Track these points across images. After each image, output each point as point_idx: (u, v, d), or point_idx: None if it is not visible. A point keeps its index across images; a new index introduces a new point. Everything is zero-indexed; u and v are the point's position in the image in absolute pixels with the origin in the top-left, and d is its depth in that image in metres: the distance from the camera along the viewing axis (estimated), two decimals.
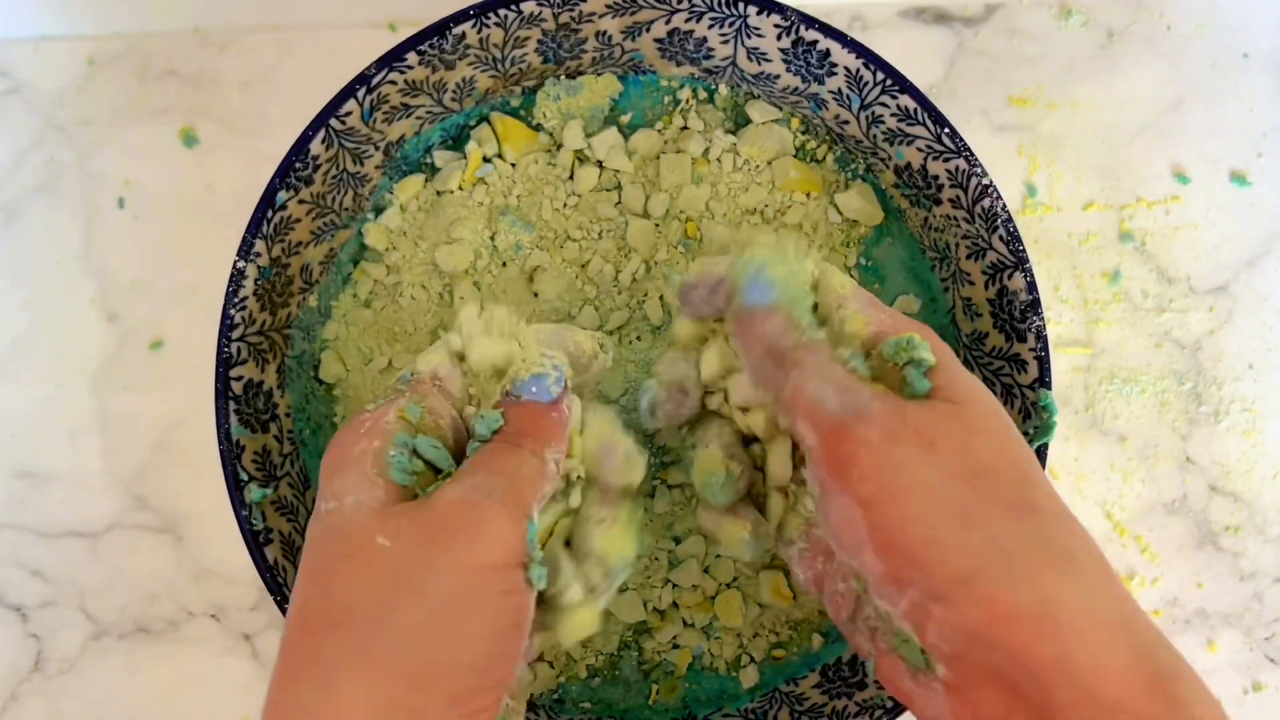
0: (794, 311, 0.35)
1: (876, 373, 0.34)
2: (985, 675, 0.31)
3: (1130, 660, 0.29)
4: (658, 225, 0.45)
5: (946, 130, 0.40)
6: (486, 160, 0.45)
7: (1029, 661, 0.30)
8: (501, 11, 0.40)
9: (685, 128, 0.46)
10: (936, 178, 0.42)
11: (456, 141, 0.46)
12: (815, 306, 0.36)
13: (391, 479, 0.32)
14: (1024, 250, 0.40)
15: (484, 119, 0.46)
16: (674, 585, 0.45)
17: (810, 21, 0.40)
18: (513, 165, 0.45)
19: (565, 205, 0.45)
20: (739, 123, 0.46)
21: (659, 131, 0.46)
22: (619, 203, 0.45)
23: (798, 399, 0.34)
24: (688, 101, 0.46)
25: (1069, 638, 0.29)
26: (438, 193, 0.45)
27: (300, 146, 0.40)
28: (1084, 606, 0.30)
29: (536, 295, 0.45)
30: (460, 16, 0.40)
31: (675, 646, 0.45)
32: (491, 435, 0.34)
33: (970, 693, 0.31)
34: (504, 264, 0.45)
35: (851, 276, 0.45)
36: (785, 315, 0.35)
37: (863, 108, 0.42)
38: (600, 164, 0.46)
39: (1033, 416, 0.40)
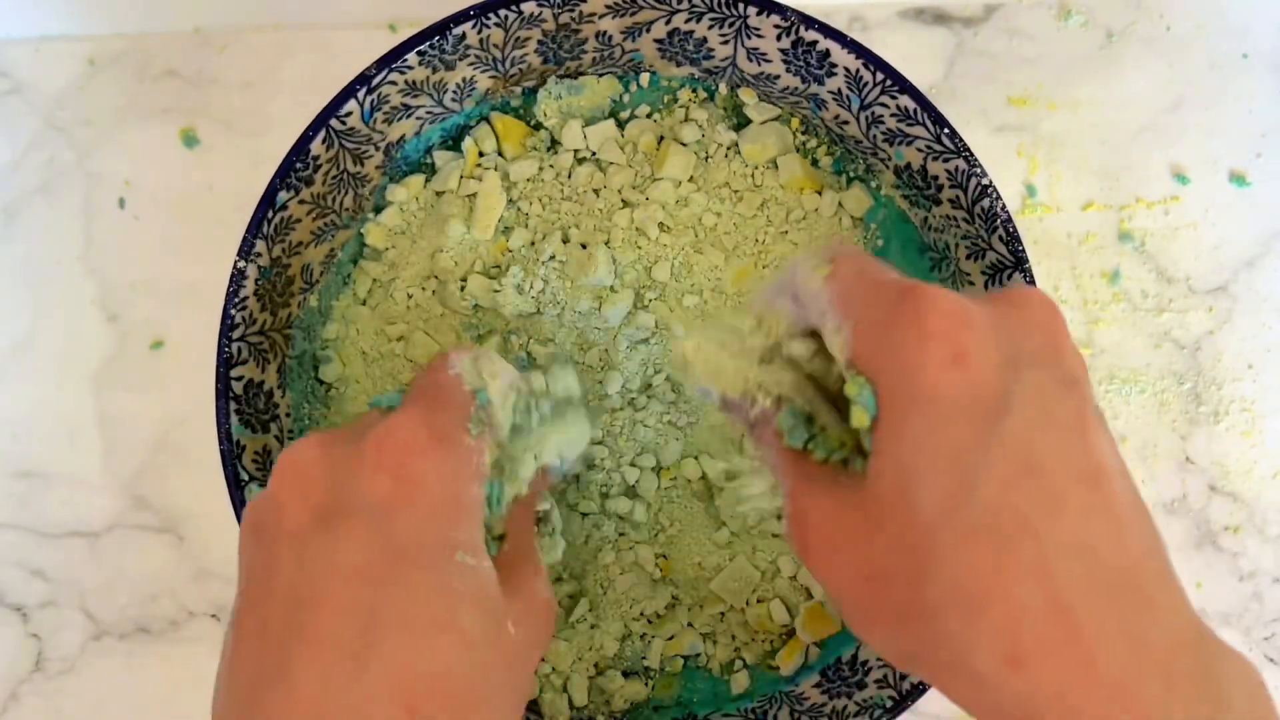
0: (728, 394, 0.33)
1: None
2: None
3: None
4: (647, 229, 0.45)
5: (946, 130, 0.40)
6: (483, 155, 0.45)
7: None
8: (502, 12, 0.40)
9: (687, 120, 0.46)
10: (936, 178, 0.42)
11: (456, 142, 0.46)
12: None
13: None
14: (1024, 250, 0.40)
15: (484, 119, 0.46)
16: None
17: (810, 22, 0.40)
18: (508, 160, 0.45)
19: (561, 210, 0.45)
20: (740, 123, 0.46)
21: (655, 121, 0.46)
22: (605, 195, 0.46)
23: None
24: (687, 100, 0.46)
25: None
26: (437, 193, 0.45)
27: (300, 147, 0.40)
28: (974, 708, 0.28)
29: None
30: (460, 17, 0.40)
31: (670, 637, 0.45)
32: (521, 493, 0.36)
33: None
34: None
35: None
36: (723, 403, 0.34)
37: (862, 108, 0.42)
38: (594, 155, 0.45)
39: None
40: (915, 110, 0.40)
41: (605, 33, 0.43)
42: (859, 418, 0.28)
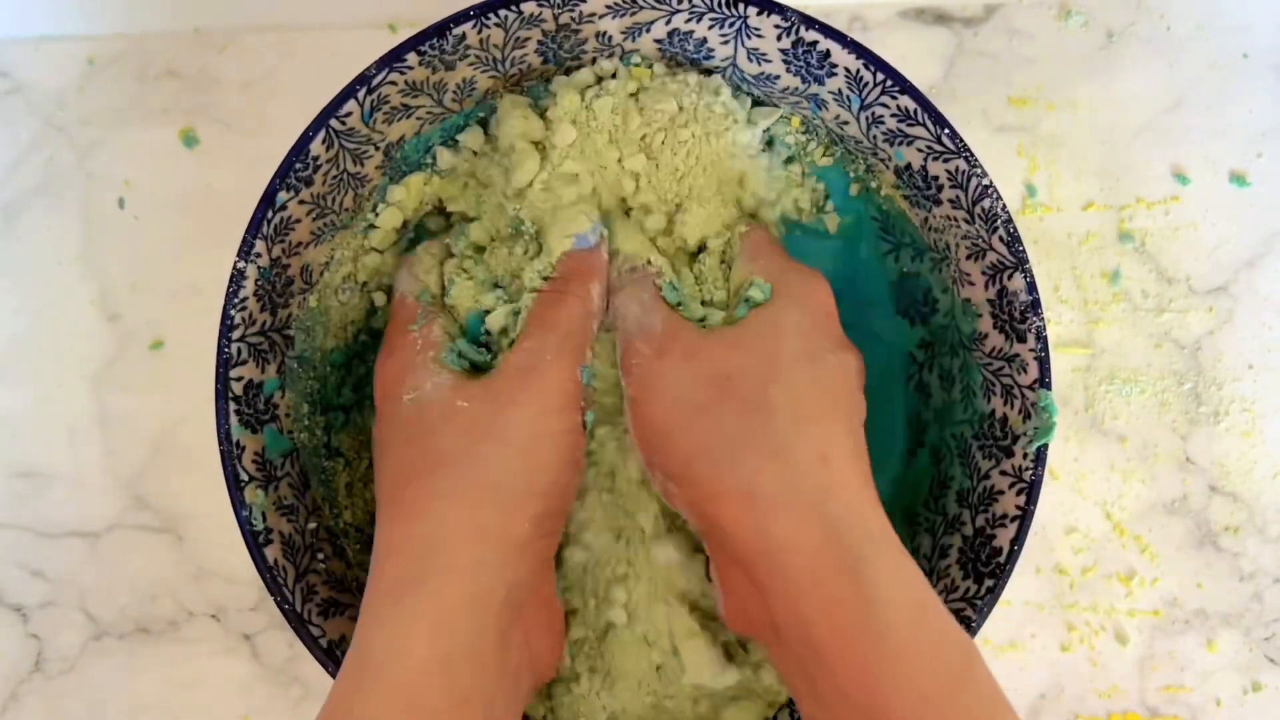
0: (625, 247, 0.42)
1: (726, 305, 0.42)
2: (726, 556, 0.36)
3: (821, 541, 0.33)
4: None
5: (946, 131, 0.40)
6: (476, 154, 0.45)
7: (735, 538, 0.35)
8: (502, 12, 0.40)
9: (682, 108, 0.45)
10: (936, 178, 0.42)
11: (457, 142, 0.46)
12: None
13: (451, 368, 0.39)
14: (1024, 251, 0.40)
15: (484, 120, 0.46)
16: None
17: (810, 22, 0.40)
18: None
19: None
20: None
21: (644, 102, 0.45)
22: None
23: (615, 317, 0.41)
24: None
25: (765, 516, 0.34)
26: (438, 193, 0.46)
27: (300, 147, 0.40)
28: (783, 489, 0.34)
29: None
30: (460, 17, 0.40)
31: None
32: (543, 281, 0.40)
33: (726, 574, 0.37)
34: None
35: None
36: (606, 250, 0.41)
37: (863, 108, 0.42)
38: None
39: (1033, 417, 0.40)
40: (915, 110, 0.40)
41: (605, 33, 0.42)
42: (756, 293, 0.40)
